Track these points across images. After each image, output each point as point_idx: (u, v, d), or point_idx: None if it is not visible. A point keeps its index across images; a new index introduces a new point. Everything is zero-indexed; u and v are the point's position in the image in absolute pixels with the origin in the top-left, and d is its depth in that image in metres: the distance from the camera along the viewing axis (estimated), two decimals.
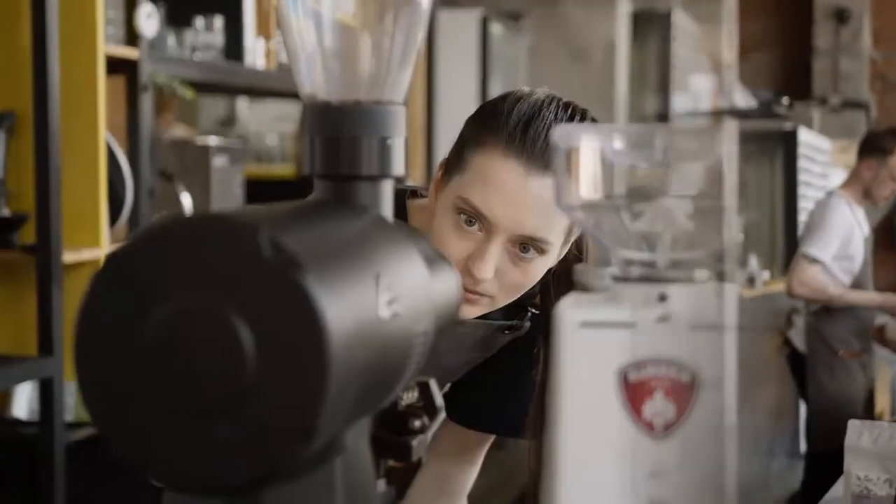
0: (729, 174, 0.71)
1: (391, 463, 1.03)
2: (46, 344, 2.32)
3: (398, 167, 0.82)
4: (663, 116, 7.18)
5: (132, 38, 2.63)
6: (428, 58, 4.63)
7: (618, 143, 0.71)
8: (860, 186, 4.27)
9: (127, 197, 2.57)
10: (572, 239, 1.32)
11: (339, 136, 0.80)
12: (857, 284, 4.26)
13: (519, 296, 1.29)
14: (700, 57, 8.00)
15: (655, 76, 7.16)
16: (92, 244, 2.47)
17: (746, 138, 5.69)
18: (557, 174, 0.72)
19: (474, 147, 1.24)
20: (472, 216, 1.23)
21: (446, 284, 0.85)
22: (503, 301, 1.28)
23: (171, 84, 2.64)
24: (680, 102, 7.30)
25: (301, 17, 0.81)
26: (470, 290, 1.25)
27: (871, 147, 4.28)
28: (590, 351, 0.69)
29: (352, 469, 0.70)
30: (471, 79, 5.06)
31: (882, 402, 4.80)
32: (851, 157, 8.30)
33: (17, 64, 2.41)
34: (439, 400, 0.89)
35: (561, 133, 0.71)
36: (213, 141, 3.06)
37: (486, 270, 1.23)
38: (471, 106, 5.85)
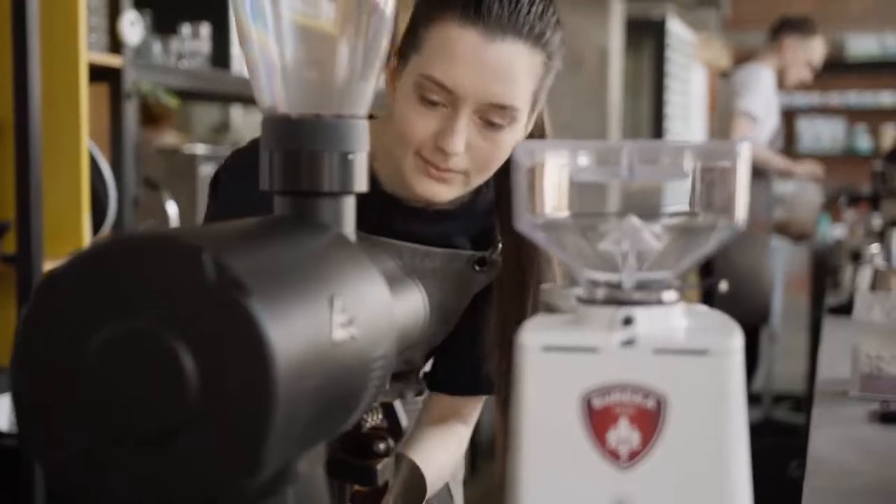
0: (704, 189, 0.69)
1: (356, 487, 1.00)
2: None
3: (360, 182, 0.80)
4: (658, 121, 7.18)
5: (116, 45, 2.60)
6: None
7: (582, 160, 0.69)
8: (776, 64, 4.44)
9: (110, 206, 2.54)
10: (538, 109, 1.30)
11: (300, 151, 0.78)
12: (771, 146, 4.46)
13: (492, 172, 1.27)
14: (692, 63, 8.02)
15: (650, 81, 7.15)
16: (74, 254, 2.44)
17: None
18: (519, 191, 0.69)
19: (428, 24, 1.22)
20: (434, 93, 1.21)
21: (410, 303, 0.83)
22: (476, 178, 1.26)
23: (156, 92, 2.62)
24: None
25: (260, 27, 0.79)
26: (443, 168, 1.23)
27: (793, 28, 4.43)
28: (553, 376, 0.66)
29: (305, 498, 0.68)
30: None
31: None
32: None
33: None
34: (405, 421, 0.86)
35: (523, 150, 0.69)
36: (200, 149, 3.03)
37: (457, 143, 1.21)
38: None
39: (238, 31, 0.80)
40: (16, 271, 2.30)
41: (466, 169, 1.24)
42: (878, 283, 2.86)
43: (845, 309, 2.69)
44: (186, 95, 3.12)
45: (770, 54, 4.49)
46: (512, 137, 1.24)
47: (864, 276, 2.89)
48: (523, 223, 0.69)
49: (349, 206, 0.80)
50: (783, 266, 6.05)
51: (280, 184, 0.78)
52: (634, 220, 0.69)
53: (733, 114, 4.30)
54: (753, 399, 5.47)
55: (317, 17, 0.80)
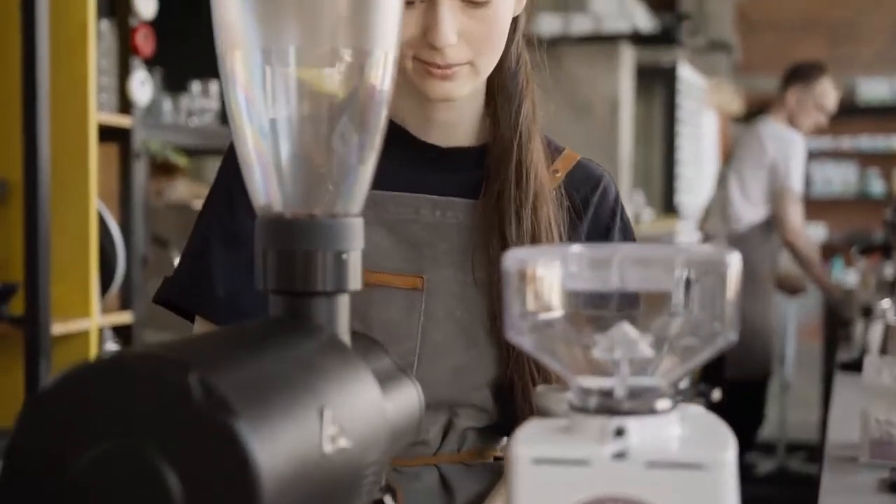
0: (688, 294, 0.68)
1: None
2: None
3: (355, 281, 0.79)
4: (669, 167, 7.18)
5: (126, 105, 2.62)
6: None
7: (572, 266, 0.68)
8: (785, 115, 4.43)
9: (118, 266, 2.54)
10: None
11: (294, 251, 0.78)
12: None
13: (498, 54, 1.18)
14: (704, 108, 8.04)
15: (661, 128, 7.17)
16: (82, 315, 2.44)
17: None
18: (508, 297, 0.69)
19: None
20: None
21: (404, 402, 0.82)
22: (485, 65, 1.17)
23: (165, 151, 2.63)
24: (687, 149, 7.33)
25: (255, 127, 0.79)
26: (443, 65, 1.15)
27: (796, 76, 4.44)
28: (545, 488, 0.65)
29: None
30: None
31: None
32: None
33: (9, 132, 2.40)
34: None
35: (512, 258, 0.68)
36: None
37: (447, 34, 1.12)
38: None
39: (232, 129, 0.81)
40: (23, 333, 2.31)
41: (469, 59, 1.16)
42: (889, 338, 2.83)
43: (856, 365, 2.67)
44: (197, 150, 3.14)
45: (778, 106, 4.50)
46: (503, 6, 1.16)
47: (876, 331, 2.87)
48: (512, 330, 0.69)
49: (343, 304, 0.79)
50: (795, 313, 6.03)
51: (274, 283, 0.78)
52: (627, 328, 0.69)
53: (785, 192, 4.28)
54: (767, 449, 5.43)
55: (312, 115, 0.80)
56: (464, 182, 1.25)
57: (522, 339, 0.69)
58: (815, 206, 9.87)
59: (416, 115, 1.26)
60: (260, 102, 0.78)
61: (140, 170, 2.64)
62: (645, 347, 0.68)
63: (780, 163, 4.33)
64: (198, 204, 3.10)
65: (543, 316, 0.70)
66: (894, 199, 7.70)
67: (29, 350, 2.28)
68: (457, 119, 1.26)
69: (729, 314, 0.67)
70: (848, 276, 7.56)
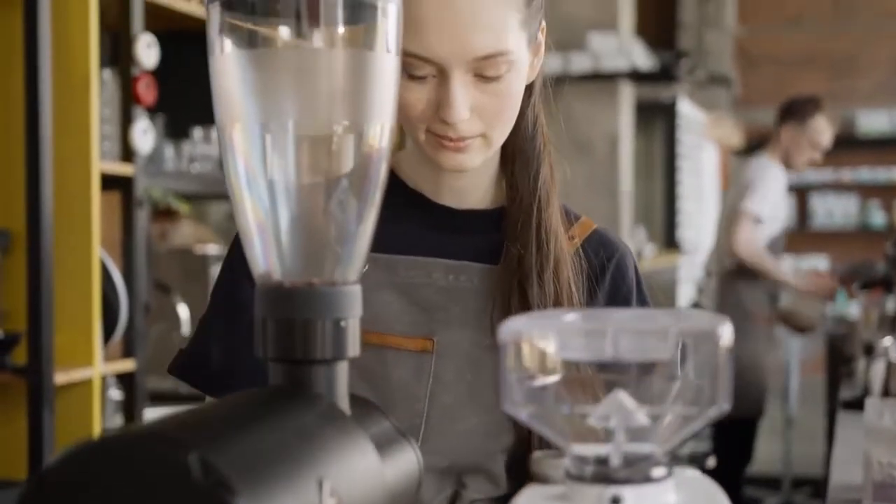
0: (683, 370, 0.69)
1: None
2: (37, 468, 2.29)
3: (353, 348, 0.80)
4: (670, 202, 7.20)
5: (128, 153, 2.64)
6: None
7: (567, 337, 0.69)
8: (780, 152, 4.45)
9: (121, 313, 2.55)
10: (538, 33, 1.20)
11: (293, 320, 0.79)
12: (771, 247, 4.40)
13: (510, 125, 1.17)
14: (706, 142, 8.08)
15: (662, 162, 7.19)
16: (85, 364, 2.45)
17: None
18: (504, 369, 0.70)
19: None
20: (417, 68, 1.11)
21: (403, 466, 0.83)
22: (498, 137, 1.17)
23: (167, 198, 2.65)
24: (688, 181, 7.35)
25: (255, 197, 0.80)
26: (456, 139, 1.14)
27: (790, 113, 4.44)
28: None
29: None
30: None
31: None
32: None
33: (12, 181, 2.42)
34: None
35: (507, 328, 0.69)
36: (212, 250, 3.05)
37: (459, 110, 1.11)
38: None
39: (231, 198, 0.82)
40: (26, 383, 2.31)
41: (482, 131, 1.15)
42: (892, 377, 2.83)
43: (859, 403, 2.67)
44: (199, 196, 3.16)
45: (773, 143, 4.53)
46: (516, 80, 1.15)
47: (878, 370, 2.87)
48: (508, 399, 0.70)
49: (342, 371, 0.80)
50: (799, 348, 6.03)
51: (273, 351, 0.79)
52: (622, 396, 0.70)
53: (738, 213, 4.31)
54: (773, 484, 5.42)
55: (310, 185, 0.81)
56: (479, 245, 1.24)
57: (518, 408, 0.70)
58: (817, 238, 9.89)
59: (431, 180, 1.26)
60: (259, 173, 0.79)
61: (142, 217, 2.65)
62: (640, 416, 0.69)
63: (748, 184, 4.36)
64: (201, 248, 3.12)
65: (539, 385, 0.71)
66: (895, 232, 7.71)
67: (32, 400, 2.28)
68: (471, 184, 1.26)
69: (722, 383, 0.68)
70: (850, 308, 7.55)
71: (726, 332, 0.67)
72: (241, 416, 0.70)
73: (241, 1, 0.78)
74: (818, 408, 5.82)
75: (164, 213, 3.53)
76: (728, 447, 4.37)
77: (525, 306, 1.19)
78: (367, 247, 0.82)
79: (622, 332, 0.68)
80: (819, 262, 9.86)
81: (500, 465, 1.21)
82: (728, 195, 4.61)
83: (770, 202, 4.30)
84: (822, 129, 4.46)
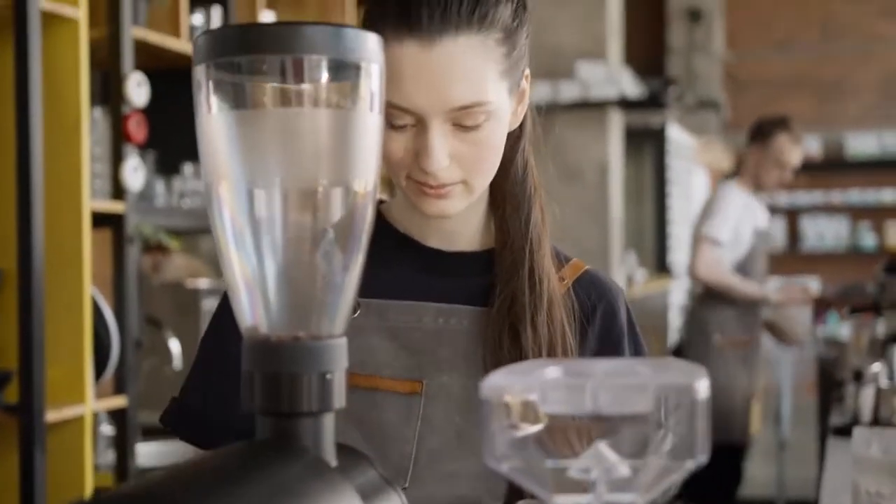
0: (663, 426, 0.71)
1: None
2: None
3: (339, 400, 0.82)
4: (661, 227, 7.23)
5: (119, 191, 2.66)
6: None
7: (549, 391, 0.71)
8: (749, 175, 4.45)
9: (113, 350, 2.56)
10: (520, 82, 1.20)
11: (279, 374, 0.80)
12: (742, 268, 4.39)
13: (492, 172, 1.18)
14: (694, 166, 8.12)
15: (651, 188, 7.23)
16: (77, 401, 2.46)
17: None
18: (487, 421, 0.71)
19: None
20: (397, 117, 1.13)
21: None
22: (479, 182, 1.18)
23: (157, 235, 2.66)
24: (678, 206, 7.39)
25: (242, 253, 0.82)
26: (436, 186, 1.15)
27: (755, 134, 4.46)
28: None
29: None
30: None
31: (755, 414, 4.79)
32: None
33: (3, 220, 2.43)
34: None
35: (489, 383, 0.71)
36: (203, 283, 3.06)
37: (437, 159, 1.13)
38: None
39: (218, 253, 0.83)
40: (18, 421, 2.32)
41: (462, 178, 1.16)
42: (881, 403, 2.85)
43: (849, 430, 2.68)
44: (190, 231, 3.18)
45: (743, 166, 4.56)
46: (496, 128, 1.16)
47: (867, 396, 2.88)
48: (490, 453, 0.71)
49: (328, 423, 0.81)
50: (791, 370, 6.04)
51: (260, 404, 0.81)
52: (603, 448, 0.71)
53: (697, 237, 4.33)
54: None
55: (296, 241, 0.83)
56: (470, 287, 1.25)
57: (500, 462, 0.71)
58: (808, 261, 9.93)
59: (419, 224, 1.27)
60: (245, 229, 0.81)
61: (133, 254, 2.67)
62: (622, 467, 0.71)
63: (707, 211, 4.38)
64: (192, 282, 3.13)
65: (521, 437, 0.72)
66: (886, 256, 7.74)
67: (24, 438, 2.29)
68: (460, 227, 1.27)
69: (699, 435, 0.69)
70: (841, 329, 7.56)
71: (703, 387, 0.69)
72: (228, 471, 0.71)
73: (228, 61, 0.79)
74: (811, 430, 5.84)
75: (156, 246, 3.54)
76: (716, 472, 4.37)
77: (517, 349, 1.19)
78: (353, 299, 0.84)
79: (602, 386, 0.70)
80: (810, 284, 9.89)
81: None
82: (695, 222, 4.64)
83: (730, 225, 4.31)
84: (786, 148, 4.41)
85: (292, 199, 0.81)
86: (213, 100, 0.80)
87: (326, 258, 0.83)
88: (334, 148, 0.81)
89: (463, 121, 1.13)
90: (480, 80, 1.12)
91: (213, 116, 0.80)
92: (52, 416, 2.38)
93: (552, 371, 0.73)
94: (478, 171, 1.16)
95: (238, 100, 0.80)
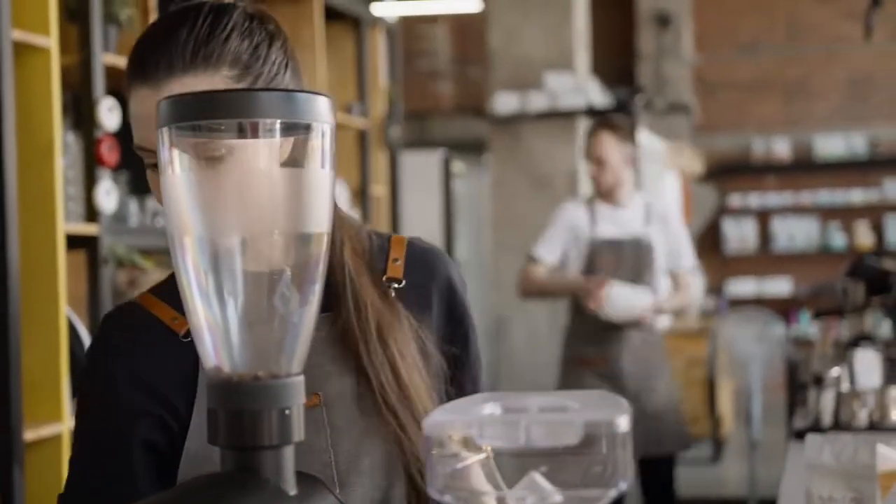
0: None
1: None
2: None
3: (298, 433, 0.88)
4: None
5: (92, 213, 2.71)
6: (392, 197, 4.74)
7: (486, 428, 0.78)
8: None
9: None
10: None
11: (241, 410, 0.86)
12: (592, 267, 4.05)
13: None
14: (666, 170, 8.21)
15: None
16: (54, 420, 2.51)
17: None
18: (429, 457, 0.78)
19: (126, 100, 1.23)
20: (149, 158, 1.20)
21: None
22: None
23: (131, 257, 2.72)
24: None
25: (205, 300, 0.88)
26: None
27: None
28: None
29: None
30: (435, 216, 5.20)
31: None
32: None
33: None
34: None
35: (431, 422, 0.78)
36: None
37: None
38: (437, 242, 5.81)
39: (182, 299, 0.90)
40: None
41: None
42: (841, 406, 2.92)
43: (809, 433, 2.75)
44: (164, 250, 3.23)
45: None
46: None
47: (828, 399, 2.96)
48: (433, 485, 0.78)
49: (288, 454, 0.88)
50: (760, 371, 6.13)
51: (224, 439, 0.87)
52: (537, 477, 0.78)
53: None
54: None
55: (255, 288, 0.89)
56: None
57: (442, 492, 0.78)
58: (779, 261, 10.06)
59: None
60: (207, 278, 0.88)
61: (107, 276, 2.72)
62: (555, 495, 0.78)
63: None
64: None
65: (460, 470, 0.79)
66: (855, 255, 7.85)
67: (2, 457, 2.34)
68: None
69: (621, 465, 0.76)
70: (812, 329, 7.65)
71: (623, 421, 0.76)
72: (193, 502, 0.78)
73: (190, 124, 0.86)
74: (783, 429, 5.93)
75: (131, 265, 3.59)
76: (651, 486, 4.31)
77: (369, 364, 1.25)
78: (309, 339, 0.90)
79: (535, 422, 0.77)
80: (782, 285, 10.03)
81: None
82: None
83: (549, 238, 4.04)
84: (588, 141, 4.09)
85: (250, 248, 0.88)
86: (175, 160, 0.86)
87: (283, 300, 0.90)
88: (289, 202, 0.88)
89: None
90: None
91: (177, 175, 0.86)
92: (29, 434, 2.43)
93: (490, 407, 0.80)
94: None
95: (198, 160, 0.87)
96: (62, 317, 2.52)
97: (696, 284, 4.19)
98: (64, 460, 2.54)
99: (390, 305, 1.29)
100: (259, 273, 0.88)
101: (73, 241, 2.64)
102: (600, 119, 4.25)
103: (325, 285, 1.26)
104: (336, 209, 1.31)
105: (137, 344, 1.25)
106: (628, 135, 4.04)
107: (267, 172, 0.87)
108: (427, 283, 1.33)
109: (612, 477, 0.77)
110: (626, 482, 0.77)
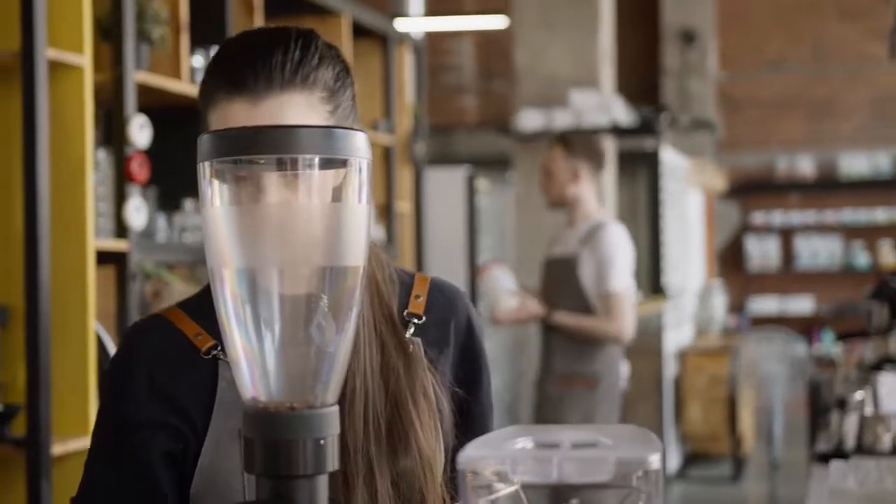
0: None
1: None
2: None
3: (332, 462, 0.90)
4: (655, 249, 7.31)
5: (122, 229, 2.74)
6: (417, 214, 4.76)
7: (519, 464, 0.79)
8: None
9: None
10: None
11: (277, 441, 0.88)
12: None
13: None
14: (689, 187, 8.21)
15: (646, 210, 7.31)
16: (81, 434, 2.54)
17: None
18: (464, 490, 0.79)
19: (207, 110, 1.23)
20: None
21: None
22: None
23: (159, 272, 2.75)
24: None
25: (242, 331, 0.90)
26: None
27: None
28: None
29: None
30: (459, 233, 5.21)
31: None
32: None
33: (10, 259, 2.51)
34: None
35: (465, 457, 0.79)
36: None
37: None
38: (460, 259, 5.80)
39: (221, 330, 0.91)
40: (25, 454, 2.40)
41: None
42: (865, 430, 2.91)
43: (832, 457, 2.75)
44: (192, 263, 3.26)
45: None
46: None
47: (851, 423, 2.95)
48: None
49: (322, 484, 0.90)
50: (782, 392, 6.12)
51: (260, 468, 0.89)
52: None
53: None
54: None
55: (292, 320, 0.91)
56: None
57: None
58: (802, 279, 10.02)
59: None
60: (246, 310, 0.89)
61: (135, 291, 2.75)
62: None
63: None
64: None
65: (493, 499, 0.80)
66: (879, 275, 7.81)
67: (30, 471, 2.37)
68: None
69: (654, 501, 0.77)
70: (835, 348, 7.61)
71: (655, 459, 0.77)
72: None
73: (232, 159, 0.88)
74: (804, 449, 5.91)
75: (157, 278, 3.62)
76: None
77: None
78: (343, 372, 0.92)
79: (567, 458, 0.78)
80: (804, 303, 9.99)
81: None
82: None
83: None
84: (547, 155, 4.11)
85: (288, 280, 0.89)
86: (216, 193, 0.88)
87: (319, 331, 0.92)
88: (327, 235, 0.89)
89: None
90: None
91: (216, 209, 0.88)
92: (58, 448, 2.46)
93: (522, 441, 0.82)
94: None
95: (238, 194, 0.89)
96: (91, 332, 2.55)
97: (625, 313, 3.90)
98: None
99: (401, 342, 1.29)
100: (296, 304, 0.90)
101: (103, 257, 2.67)
102: (559, 135, 4.28)
103: None
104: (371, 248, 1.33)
105: (160, 357, 1.27)
106: (580, 153, 4.00)
107: (305, 207, 0.88)
108: (446, 321, 1.35)
109: None
110: None
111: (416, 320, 1.31)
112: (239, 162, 0.88)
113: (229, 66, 1.22)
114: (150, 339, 1.29)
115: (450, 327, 1.34)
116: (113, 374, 1.29)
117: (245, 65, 1.20)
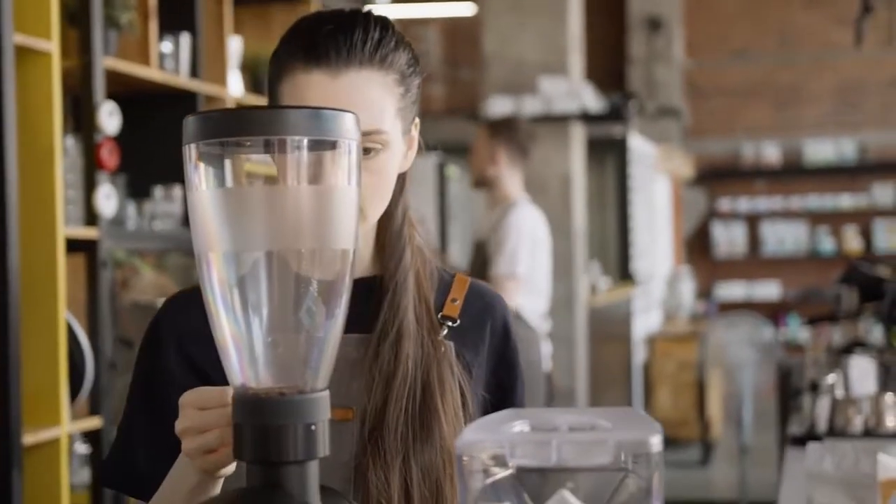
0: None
1: None
2: None
3: (323, 448, 0.88)
4: (623, 235, 7.33)
5: (92, 217, 2.70)
6: None
7: (517, 447, 0.78)
8: None
9: (87, 373, 2.61)
10: (412, 125, 1.29)
11: (267, 426, 0.87)
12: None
13: (386, 202, 1.25)
14: (656, 174, 8.24)
15: (614, 197, 7.33)
16: (52, 423, 2.51)
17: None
18: (462, 474, 0.78)
19: (279, 80, 1.23)
20: None
21: None
22: (372, 210, 1.24)
23: (130, 260, 2.71)
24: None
25: (231, 318, 0.88)
26: None
27: None
28: None
29: None
30: (430, 220, 5.21)
31: None
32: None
33: None
34: None
35: (462, 442, 0.78)
36: None
37: None
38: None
39: (209, 317, 0.90)
40: None
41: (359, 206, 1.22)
42: (837, 413, 2.93)
43: (805, 440, 2.76)
44: (161, 252, 3.23)
45: None
46: (391, 160, 1.24)
47: (823, 406, 2.97)
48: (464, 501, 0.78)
49: (313, 469, 0.88)
50: (753, 374, 6.15)
51: (250, 455, 0.87)
52: (567, 495, 0.78)
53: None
54: None
55: (281, 305, 0.89)
56: (360, 316, 1.25)
57: None
58: (768, 265, 10.08)
59: None
60: (234, 294, 0.88)
61: (106, 278, 2.71)
62: None
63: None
64: (161, 301, 3.17)
65: (491, 487, 0.79)
66: (844, 260, 7.88)
67: (1, 462, 2.33)
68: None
69: (655, 484, 0.76)
70: (801, 333, 7.66)
71: (655, 441, 0.76)
72: None
73: (218, 141, 0.86)
74: (773, 433, 5.95)
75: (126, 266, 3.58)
76: None
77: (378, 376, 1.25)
78: (333, 357, 0.90)
79: (565, 441, 0.77)
80: (771, 289, 10.06)
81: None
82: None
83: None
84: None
85: (276, 264, 0.88)
86: (202, 176, 0.86)
87: (309, 315, 0.90)
88: (315, 218, 0.88)
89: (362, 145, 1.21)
90: (380, 110, 1.22)
91: (202, 192, 0.86)
92: (28, 438, 2.43)
93: (518, 425, 0.80)
94: (372, 198, 1.23)
95: (224, 176, 0.87)
96: (61, 320, 2.52)
97: (507, 297, 3.80)
98: (62, 464, 2.54)
99: (434, 342, 1.28)
100: (285, 288, 0.89)
101: (73, 245, 2.64)
102: (490, 119, 4.31)
103: (377, 305, 1.29)
104: (417, 240, 1.32)
105: (191, 327, 1.25)
106: (501, 137, 4.06)
107: (293, 189, 0.87)
108: (482, 325, 1.34)
109: (647, 497, 0.77)
110: (660, 501, 0.77)
111: (450, 323, 1.31)
112: (225, 144, 0.87)
113: (310, 39, 1.22)
114: (184, 310, 1.28)
115: (485, 332, 1.34)
116: (147, 340, 1.30)
117: (328, 37, 1.21)
